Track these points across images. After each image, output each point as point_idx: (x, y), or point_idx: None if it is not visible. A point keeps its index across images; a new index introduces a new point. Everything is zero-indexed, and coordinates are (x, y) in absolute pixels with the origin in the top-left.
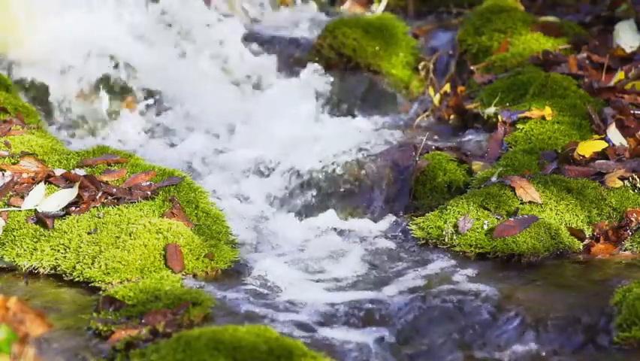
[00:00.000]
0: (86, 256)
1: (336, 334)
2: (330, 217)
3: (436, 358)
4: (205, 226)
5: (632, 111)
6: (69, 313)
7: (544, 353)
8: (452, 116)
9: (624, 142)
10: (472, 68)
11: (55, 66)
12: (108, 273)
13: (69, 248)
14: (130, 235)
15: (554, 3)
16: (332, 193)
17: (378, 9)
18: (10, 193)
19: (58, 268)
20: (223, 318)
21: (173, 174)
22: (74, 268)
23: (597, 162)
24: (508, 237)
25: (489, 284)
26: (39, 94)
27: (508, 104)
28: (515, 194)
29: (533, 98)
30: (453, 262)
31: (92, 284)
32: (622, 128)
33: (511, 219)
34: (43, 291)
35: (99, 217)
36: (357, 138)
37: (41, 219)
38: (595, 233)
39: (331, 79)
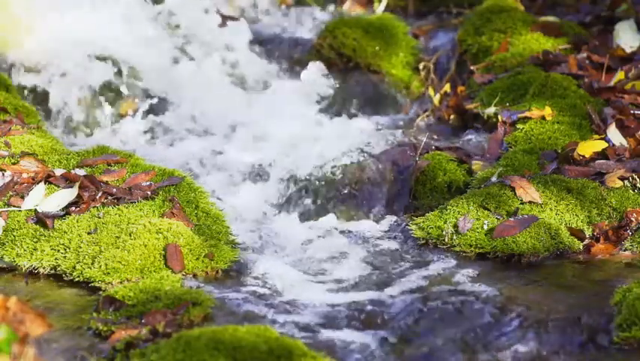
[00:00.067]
0: (86, 256)
1: (337, 335)
2: (330, 218)
3: (438, 359)
4: (205, 226)
5: (632, 111)
6: (69, 313)
7: (544, 353)
8: (452, 116)
9: (624, 142)
10: (472, 68)
11: (55, 67)
12: (108, 273)
13: (69, 248)
14: (130, 235)
15: (554, 3)
16: (332, 194)
17: (378, 9)
18: (10, 193)
19: (59, 268)
20: (223, 318)
21: (173, 174)
22: (74, 268)
23: (597, 162)
24: (508, 237)
25: (489, 285)
26: (39, 95)
27: (508, 104)
28: (515, 194)
29: (533, 98)
30: (453, 262)
31: (92, 284)
32: (622, 128)
33: (511, 219)
34: (43, 291)
35: (99, 217)
36: (357, 138)
37: (41, 219)
38: (595, 233)
39: (331, 79)
